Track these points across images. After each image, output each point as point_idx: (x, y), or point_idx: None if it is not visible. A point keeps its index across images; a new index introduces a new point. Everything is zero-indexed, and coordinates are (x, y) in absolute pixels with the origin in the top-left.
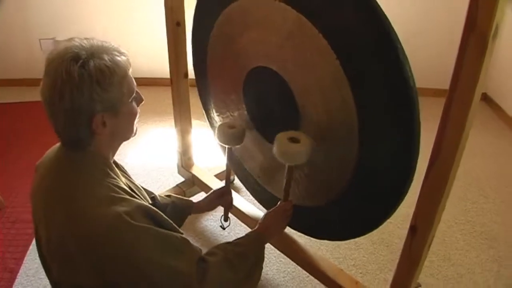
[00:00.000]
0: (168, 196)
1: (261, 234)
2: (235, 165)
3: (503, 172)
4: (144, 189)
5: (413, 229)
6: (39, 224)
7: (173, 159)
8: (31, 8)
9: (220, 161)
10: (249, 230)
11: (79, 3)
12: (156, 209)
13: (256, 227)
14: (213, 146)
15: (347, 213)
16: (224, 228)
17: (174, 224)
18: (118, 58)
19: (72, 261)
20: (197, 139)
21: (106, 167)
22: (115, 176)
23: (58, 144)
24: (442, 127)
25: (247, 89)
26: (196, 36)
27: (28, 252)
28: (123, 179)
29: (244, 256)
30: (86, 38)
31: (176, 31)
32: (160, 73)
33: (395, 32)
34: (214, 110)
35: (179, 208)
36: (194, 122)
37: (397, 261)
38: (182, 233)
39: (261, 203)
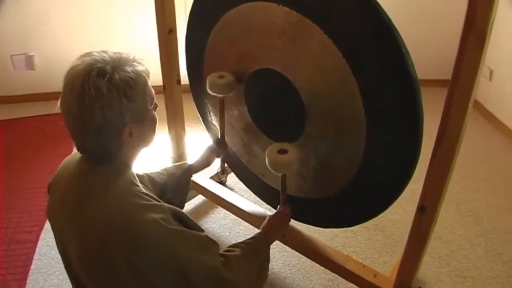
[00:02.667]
0: (164, 170)
1: (266, 235)
2: (236, 166)
3: (477, 152)
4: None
5: (421, 209)
6: (69, 241)
7: (168, 165)
8: (1, 23)
9: (214, 164)
10: (249, 227)
11: (52, 16)
12: (182, 210)
13: (260, 230)
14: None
15: (355, 201)
16: (222, 183)
17: (196, 223)
18: (139, 68)
19: (114, 271)
20: (191, 144)
21: (131, 176)
22: (138, 184)
23: (71, 159)
24: (447, 110)
25: (249, 90)
26: (191, 41)
27: (30, 272)
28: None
29: (257, 252)
30: (102, 51)
31: (168, 38)
32: (152, 81)
33: (396, 29)
34: (211, 113)
35: (179, 177)
36: (187, 127)
37: (392, 244)
38: (203, 230)
39: (263, 200)
